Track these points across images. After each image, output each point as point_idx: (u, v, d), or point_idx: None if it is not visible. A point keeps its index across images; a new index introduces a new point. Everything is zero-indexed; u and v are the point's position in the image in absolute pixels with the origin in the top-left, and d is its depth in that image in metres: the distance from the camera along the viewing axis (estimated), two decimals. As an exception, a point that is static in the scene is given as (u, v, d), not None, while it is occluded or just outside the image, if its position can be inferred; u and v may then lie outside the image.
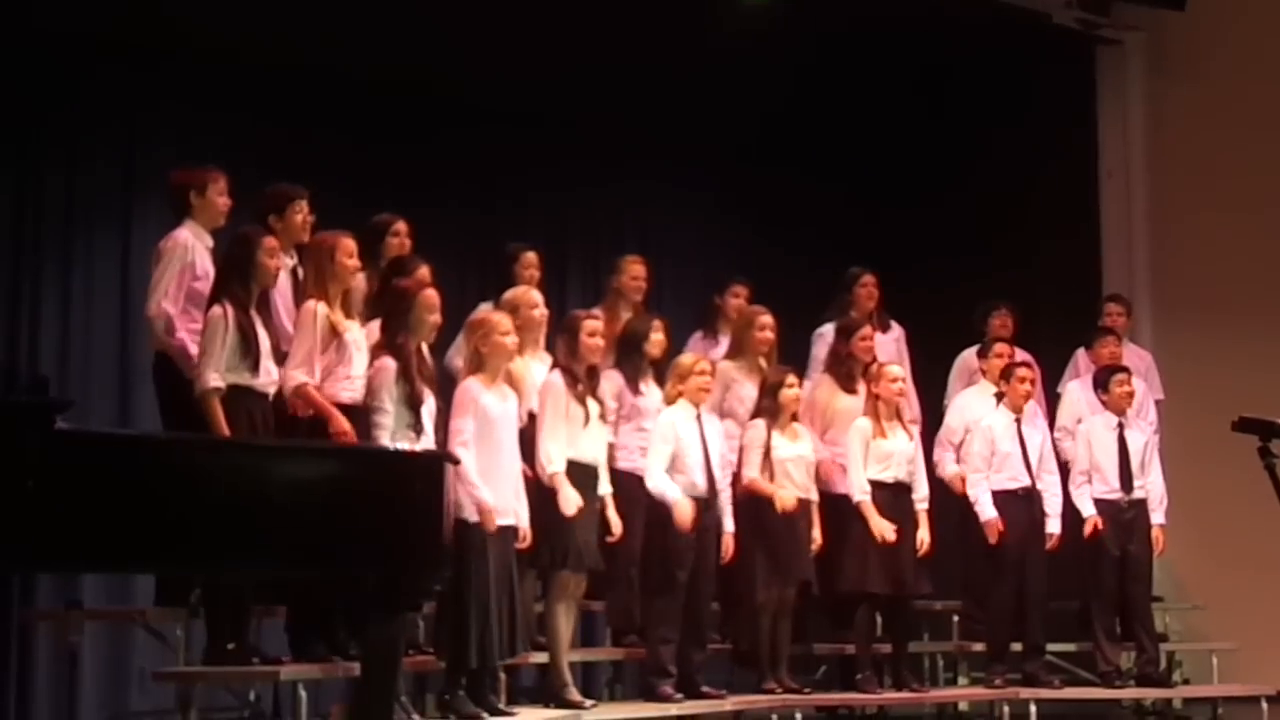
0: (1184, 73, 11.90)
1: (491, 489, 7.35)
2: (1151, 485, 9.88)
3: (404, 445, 6.96)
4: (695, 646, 8.55)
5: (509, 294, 8.30)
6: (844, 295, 9.97)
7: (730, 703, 8.68)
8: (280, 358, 7.14)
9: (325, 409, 7.08)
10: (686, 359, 8.74)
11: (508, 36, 10.00)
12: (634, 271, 9.36)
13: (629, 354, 8.65)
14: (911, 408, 9.82)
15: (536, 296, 8.30)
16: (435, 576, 6.39)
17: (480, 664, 7.39)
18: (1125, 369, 10.01)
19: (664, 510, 8.37)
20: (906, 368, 9.83)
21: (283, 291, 7.47)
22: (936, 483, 9.58)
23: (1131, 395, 9.91)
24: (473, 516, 7.26)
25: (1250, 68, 11.85)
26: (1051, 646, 9.89)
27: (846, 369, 9.47)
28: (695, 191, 11.25)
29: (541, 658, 8.17)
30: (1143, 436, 9.96)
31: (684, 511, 8.32)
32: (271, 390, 7.09)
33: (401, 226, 8.17)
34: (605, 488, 8.17)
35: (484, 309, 8.09)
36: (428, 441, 7.12)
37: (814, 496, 9.03)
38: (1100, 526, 9.67)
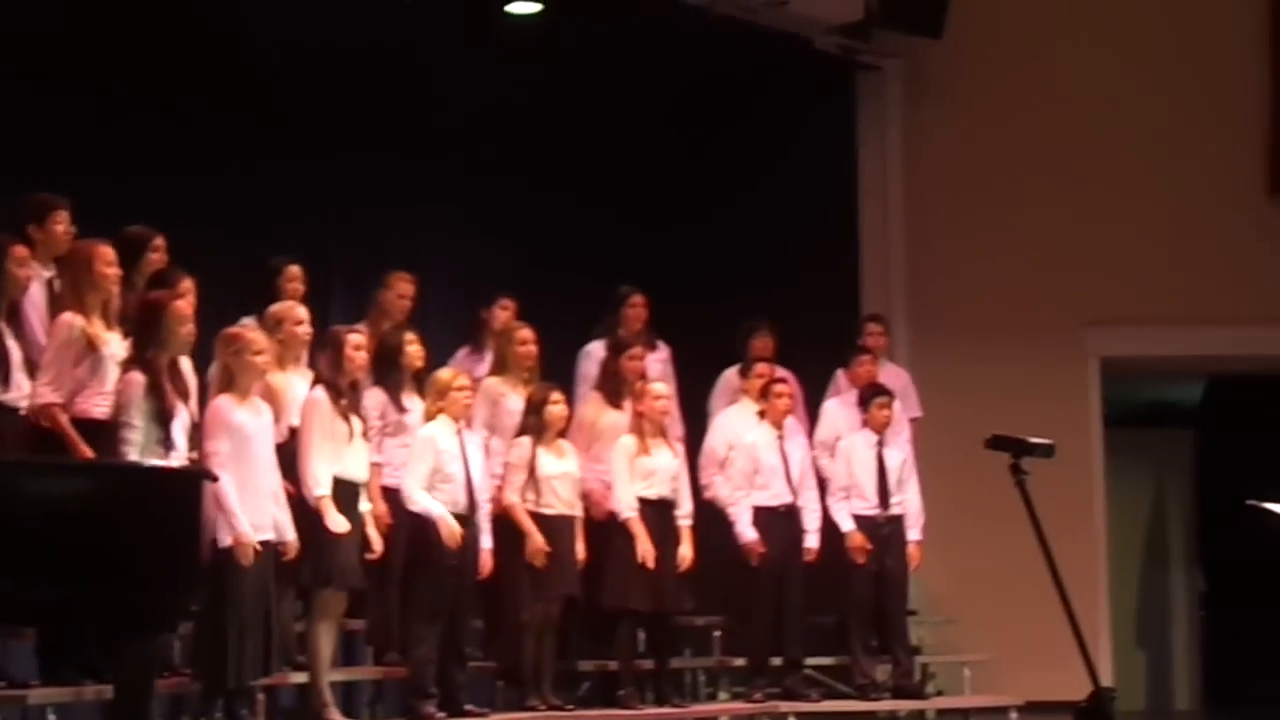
0: (940, 99, 12.19)
1: (250, 506, 7.21)
2: (908, 502, 10.09)
3: (154, 462, 6.79)
4: (457, 665, 8.49)
5: (272, 309, 8.17)
6: (613, 314, 10.01)
7: (493, 720, 8.65)
8: (33, 370, 6.93)
9: (68, 434, 6.89)
10: (445, 374, 8.68)
11: (268, 50, 9.86)
12: (400, 288, 9.29)
13: (388, 369, 8.57)
14: (676, 426, 9.90)
15: (301, 312, 8.19)
16: (192, 596, 6.25)
17: (237, 684, 7.26)
18: (885, 389, 10.20)
19: (425, 527, 8.31)
20: (672, 386, 9.90)
21: (38, 304, 7.25)
22: (699, 499, 9.66)
23: (890, 415, 10.10)
24: (228, 541, 7.13)
25: (1004, 94, 12.21)
26: (810, 660, 10.04)
27: (614, 386, 9.51)
28: (464, 207, 11.18)
29: (302, 677, 8.05)
30: (900, 454, 10.15)
31: (450, 528, 8.27)
32: (23, 405, 6.89)
33: (160, 241, 7.98)
34: (367, 505, 8.09)
35: (240, 324, 7.95)
36: (179, 457, 6.96)
37: (579, 513, 9.04)
38: (863, 548, 9.84)
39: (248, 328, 7.79)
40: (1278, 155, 12.25)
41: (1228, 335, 12.18)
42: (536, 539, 8.74)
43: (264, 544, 7.31)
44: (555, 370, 9.49)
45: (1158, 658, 13.34)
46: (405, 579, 8.41)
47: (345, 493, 7.86)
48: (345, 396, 7.96)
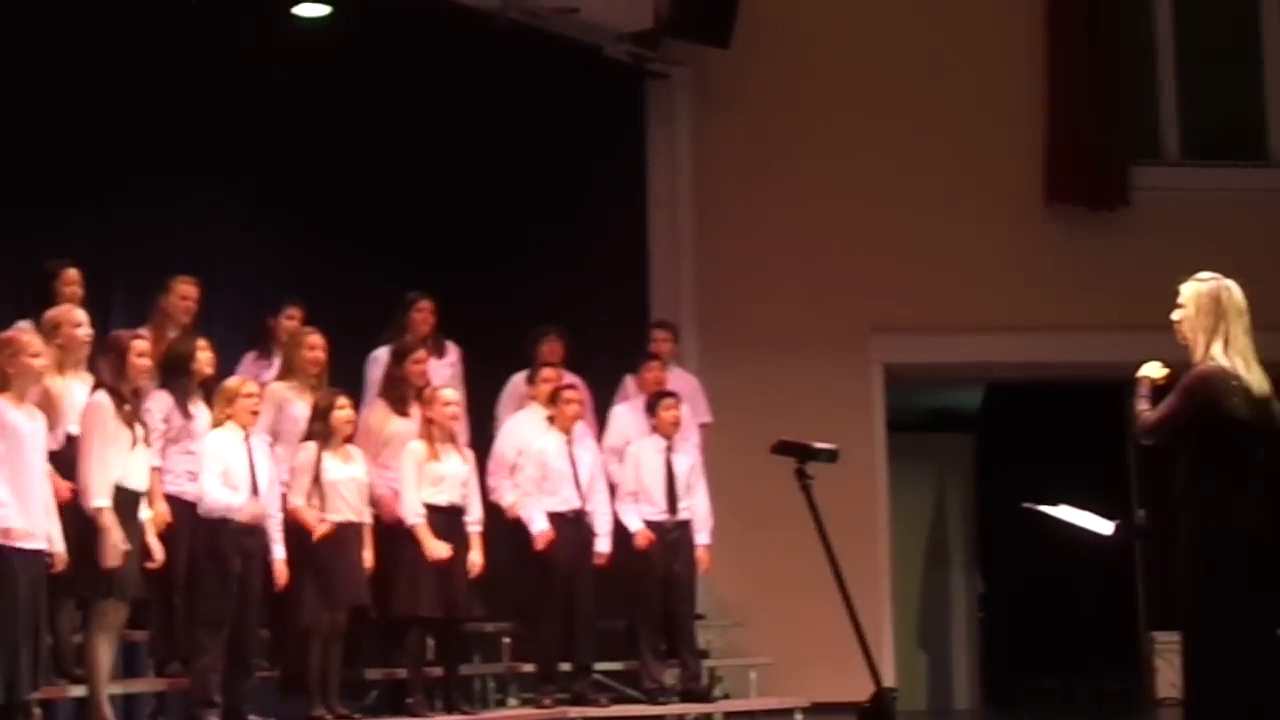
0: (729, 108, 12.31)
1: (21, 512, 7.02)
2: (696, 506, 10.17)
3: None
4: (242, 674, 8.37)
5: (50, 313, 8.00)
6: (400, 319, 9.95)
7: (278, 730, 8.54)
8: None
9: None
10: (233, 382, 8.59)
11: (51, 49, 9.64)
12: (183, 291, 9.15)
13: (175, 375, 8.45)
14: (465, 431, 9.87)
15: (80, 315, 8.02)
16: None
17: (9, 699, 7.06)
18: (674, 394, 10.27)
19: (213, 534, 8.19)
20: (462, 392, 9.87)
21: None
22: (489, 505, 9.63)
23: (679, 420, 10.17)
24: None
25: (791, 105, 12.36)
26: (599, 665, 10.06)
27: (400, 392, 9.45)
28: (249, 210, 11.03)
29: (80, 691, 7.87)
30: (688, 459, 10.23)
31: (253, 511, 8.20)
32: None
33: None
34: (147, 513, 7.95)
35: (16, 327, 7.75)
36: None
37: (367, 519, 8.97)
38: (651, 540, 9.90)
39: (23, 330, 7.60)
40: (1054, 166, 12.58)
41: (1006, 342, 12.48)
42: (321, 528, 8.65)
43: (35, 553, 7.11)
44: (343, 376, 9.40)
45: (938, 658, 13.60)
46: (189, 587, 8.27)
47: (126, 501, 7.72)
48: (128, 402, 7.81)
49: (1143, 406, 5.85)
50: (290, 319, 9.59)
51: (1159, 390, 5.93)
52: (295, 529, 8.71)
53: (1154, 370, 5.98)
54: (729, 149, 12.31)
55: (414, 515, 9.05)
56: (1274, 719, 5.62)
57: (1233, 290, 5.80)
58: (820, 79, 12.42)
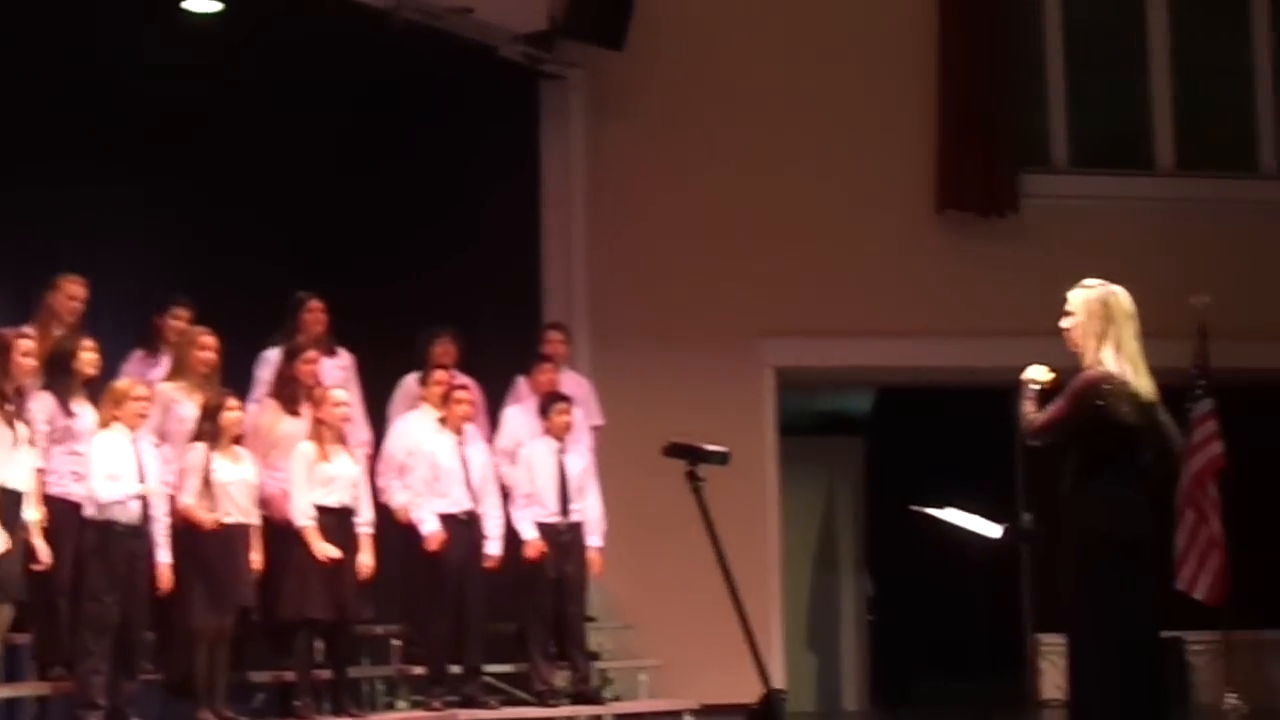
0: (623, 110, 12.33)
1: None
2: (588, 509, 10.18)
3: None
4: (126, 677, 8.28)
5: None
6: (291, 319, 9.87)
7: (163, 734, 8.45)
8: None
9: None
10: (122, 383, 8.49)
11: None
12: (70, 291, 9.02)
13: (59, 374, 8.35)
14: (358, 433, 9.81)
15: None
16: None
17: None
18: (566, 397, 10.26)
19: (99, 536, 8.09)
20: (355, 393, 9.82)
21: None
22: (380, 506, 9.58)
23: (571, 424, 10.17)
24: None
25: (684, 108, 12.41)
26: (489, 668, 10.04)
27: (290, 392, 9.39)
28: (138, 207, 10.88)
29: (-40, 694, 7.75)
30: (581, 461, 10.23)
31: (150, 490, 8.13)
32: None
33: None
34: (32, 514, 7.83)
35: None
36: None
37: (255, 521, 8.90)
38: (542, 552, 9.88)
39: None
40: (944, 173, 12.70)
41: (897, 347, 12.59)
42: (208, 523, 8.56)
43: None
44: (232, 377, 9.31)
45: (827, 660, 13.68)
46: (74, 589, 8.16)
47: (7, 501, 7.62)
48: (10, 402, 7.70)
49: (1028, 409, 5.91)
50: (177, 318, 9.48)
51: (1045, 394, 6.00)
52: (183, 530, 8.62)
53: (1040, 374, 6.04)
54: (623, 151, 12.33)
55: (304, 517, 8.99)
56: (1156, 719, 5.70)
57: (1120, 295, 5.88)
58: (714, 83, 12.47)
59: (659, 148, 12.37)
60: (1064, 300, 6.03)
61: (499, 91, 11.93)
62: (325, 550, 8.93)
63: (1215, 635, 12.17)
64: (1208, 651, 12.52)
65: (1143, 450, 5.83)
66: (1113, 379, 5.74)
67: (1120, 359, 5.77)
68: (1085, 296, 5.89)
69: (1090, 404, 5.72)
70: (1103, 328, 5.81)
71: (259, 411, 9.42)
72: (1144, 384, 5.80)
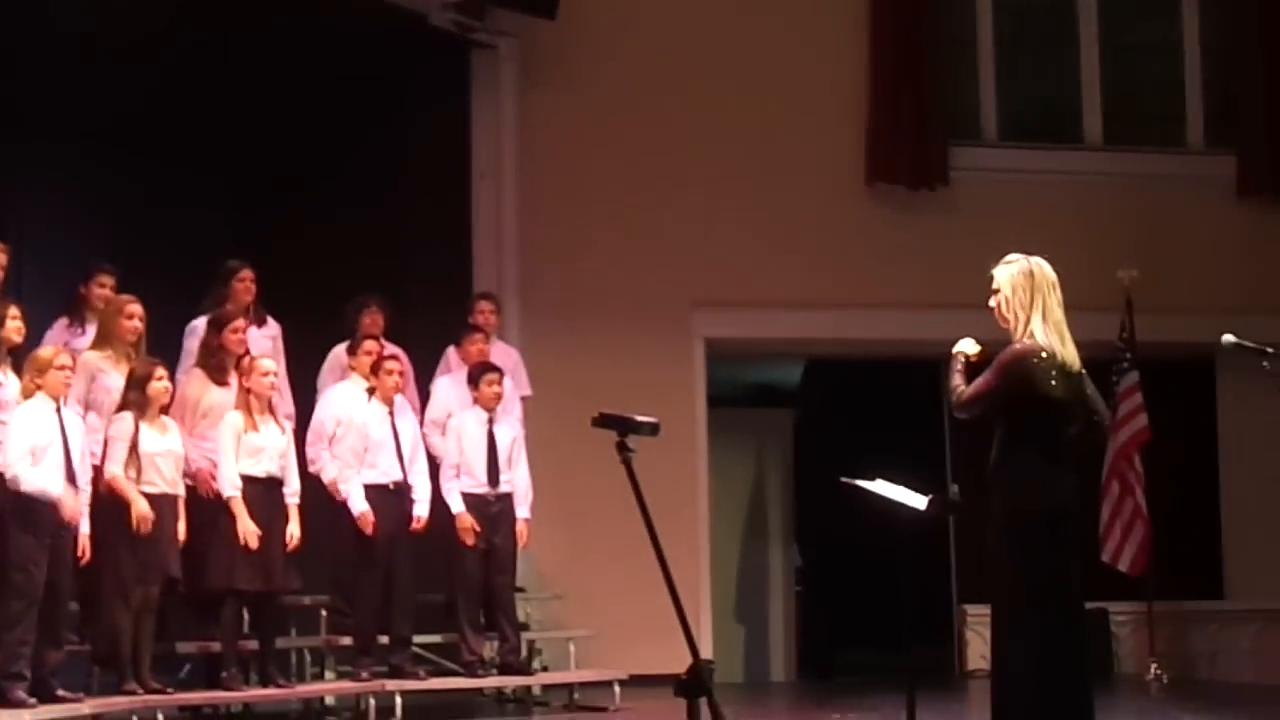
0: (555, 80, 12.29)
1: None
2: (517, 479, 10.16)
3: None
4: (51, 647, 8.20)
5: None
6: (220, 288, 9.78)
7: (88, 705, 8.38)
8: None
9: None
10: (45, 352, 8.38)
11: None
12: (-12, 257, 8.90)
13: (-19, 343, 8.22)
14: (286, 403, 9.75)
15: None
16: None
17: None
18: (496, 367, 10.23)
19: (24, 506, 8.01)
20: (282, 363, 9.75)
21: None
22: (307, 476, 9.52)
23: (501, 395, 10.13)
24: None
25: (616, 78, 12.39)
26: (418, 638, 10.02)
27: (218, 361, 9.32)
28: (62, 173, 10.76)
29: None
30: (511, 432, 10.21)
31: (71, 507, 8.03)
32: None
33: None
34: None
35: None
36: None
37: (181, 491, 8.84)
38: (472, 526, 9.86)
39: None
40: (875, 147, 12.75)
41: (826, 319, 12.64)
42: (140, 505, 8.50)
43: None
44: (160, 346, 9.23)
45: (756, 631, 13.74)
46: (-2, 562, 8.09)
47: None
48: (-68, 370, 7.59)
49: (956, 381, 5.94)
50: (102, 286, 9.38)
51: (973, 367, 6.03)
52: (109, 499, 8.54)
53: (969, 346, 6.07)
54: (554, 121, 12.30)
55: (231, 488, 8.94)
56: (1079, 691, 5.75)
57: (1043, 265, 5.91)
58: (646, 54, 12.47)
59: (590, 119, 12.35)
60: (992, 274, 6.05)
61: (429, 61, 11.87)
62: (249, 529, 8.87)
63: (1139, 606, 12.32)
64: (1131, 622, 12.67)
65: (1069, 423, 5.87)
66: (1041, 353, 5.77)
67: (1047, 329, 5.80)
68: (1009, 272, 5.91)
69: (1018, 378, 5.75)
70: (1029, 299, 5.84)
71: (186, 381, 9.34)
72: (1070, 354, 5.83)
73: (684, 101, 12.45)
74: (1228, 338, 6.52)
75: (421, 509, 9.77)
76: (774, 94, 12.61)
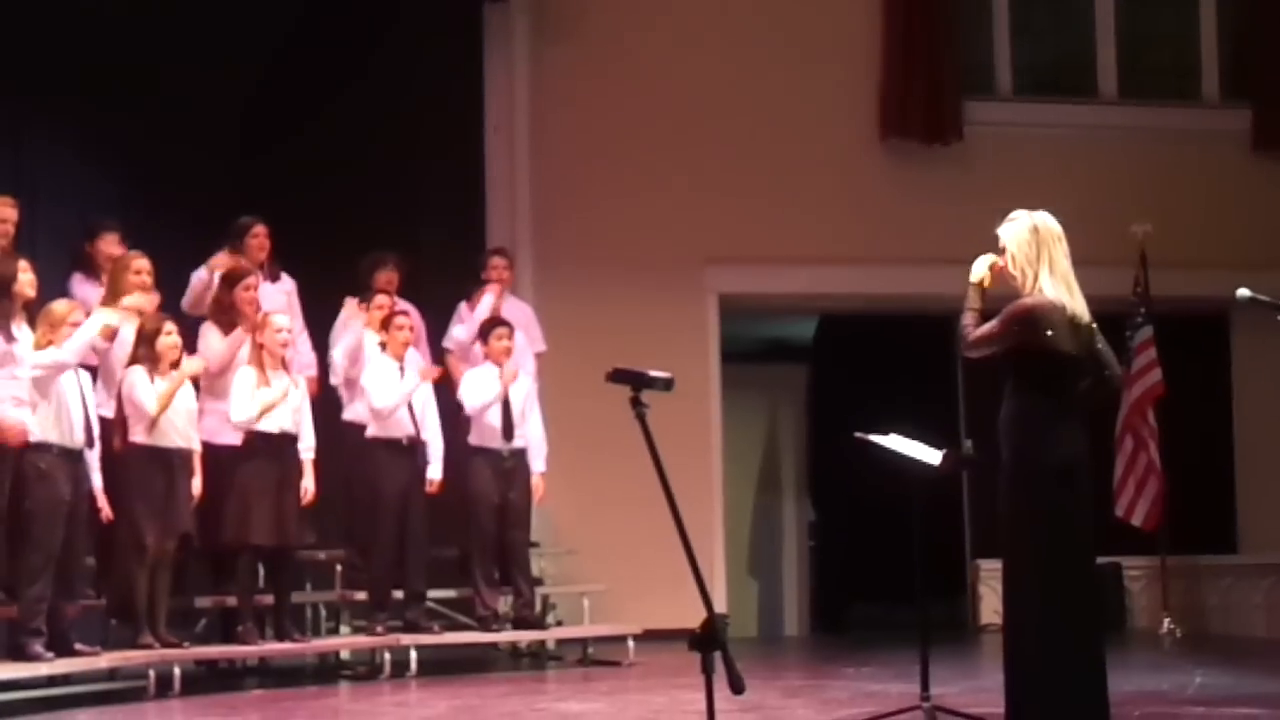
0: (567, 36, 12.24)
1: None
2: (531, 434, 10.16)
3: None
4: (68, 602, 8.24)
5: None
6: (234, 244, 9.80)
7: (105, 659, 8.43)
8: None
9: None
10: (60, 306, 8.38)
11: None
12: (1, 214, 8.90)
13: (-4, 298, 8.23)
14: (302, 358, 9.76)
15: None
16: None
17: None
18: (506, 323, 10.22)
19: (37, 461, 8.03)
20: (298, 319, 9.76)
21: None
22: (321, 433, 9.51)
23: (511, 348, 10.12)
24: None
25: (629, 34, 12.34)
26: (433, 593, 10.05)
27: (229, 318, 9.32)
28: (71, 129, 10.76)
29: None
30: (524, 387, 10.20)
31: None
32: None
33: None
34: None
35: None
36: None
37: (196, 446, 8.86)
38: (486, 479, 9.87)
39: None
40: (890, 101, 12.69)
41: (840, 274, 12.61)
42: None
43: None
44: (173, 301, 9.24)
45: (769, 586, 13.77)
46: (13, 516, 8.10)
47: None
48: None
49: (968, 320, 5.90)
50: (108, 243, 9.37)
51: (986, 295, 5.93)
52: (124, 455, 8.56)
53: (984, 266, 5.98)
54: (567, 76, 12.25)
55: (242, 414, 8.94)
56: (1091, 645, 5.75)
57: (1047, 219, 5.88)
58: (659, 8, 12.42)
59: (603, 73, 12.30)
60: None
61: (442, 14, 11.82)
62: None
63: (1152, 560, 12.32)
64: (1144, 576, 12.67)
65: (1079, 377, 5.85)
66: (1049, 308, 5.74)
67: (1055, 281, 5.78)
68: (1014, 230, 5.88)
69: (1022, 332, 5.73)
70: (1035, 253, 5.81)
71: (200, 337, 9.35)
72: (1079, 305, 5.80)
73: (698, 56, 12.40)
74: (1242, 292, 6.49)
75: (435, 470, 9.79)
76: (788, 49, 12.55)
